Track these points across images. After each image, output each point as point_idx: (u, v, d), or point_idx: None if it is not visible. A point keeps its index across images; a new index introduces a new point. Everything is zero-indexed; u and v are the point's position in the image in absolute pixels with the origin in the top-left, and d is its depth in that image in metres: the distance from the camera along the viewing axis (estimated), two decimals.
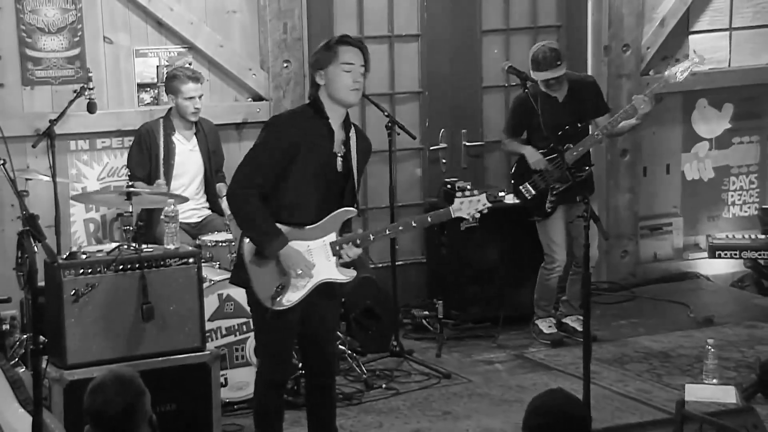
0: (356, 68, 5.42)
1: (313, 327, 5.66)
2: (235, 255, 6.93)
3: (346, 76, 5.41)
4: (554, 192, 7.81)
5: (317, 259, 5.55)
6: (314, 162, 5.45)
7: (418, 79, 8.91)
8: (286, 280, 5.50)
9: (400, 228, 5.93)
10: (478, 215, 5.84)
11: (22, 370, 6.04)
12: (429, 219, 5.87)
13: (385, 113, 7.64)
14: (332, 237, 5.57)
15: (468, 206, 5.78)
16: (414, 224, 5.95)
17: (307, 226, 5.53)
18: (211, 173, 7.49)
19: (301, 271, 5.46)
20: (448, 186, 8.04)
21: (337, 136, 5.50)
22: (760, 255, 6.98)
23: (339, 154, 5.52)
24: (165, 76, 7.59)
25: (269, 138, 5.53)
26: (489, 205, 5.81)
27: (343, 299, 5.95)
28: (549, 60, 7.68)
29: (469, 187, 5.88)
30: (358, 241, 5.58)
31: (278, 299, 5.49)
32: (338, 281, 5.63)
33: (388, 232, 5.88)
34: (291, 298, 5.52)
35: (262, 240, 5.48)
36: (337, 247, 5.56)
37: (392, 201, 7.66)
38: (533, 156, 7.79)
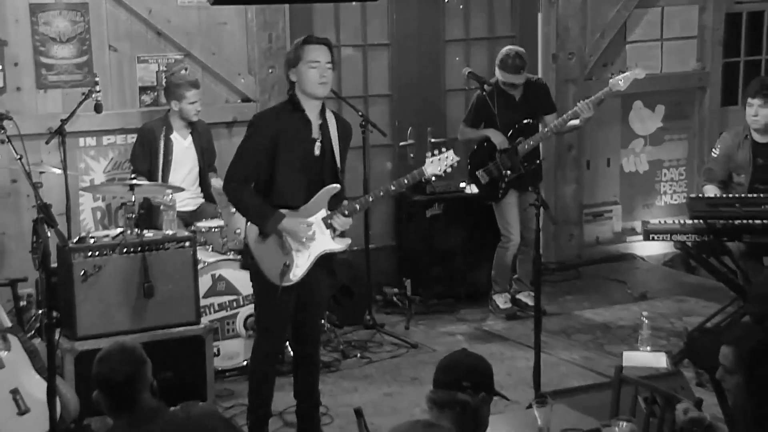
0: (322, 65, 5.44)
1: (306, 300, 5.66)
2: (226, 239, 6.96)
3: (313, 72, 5.43)
4: (506, 179, 7.83)
5: (314, 234, 5.55)
6: (296, 149, 5.47)
7: (388, 83, 8.91)
8: (290, 258, 5.51)
9: (381, 193, 5.94)
10: (449, 170, 5.84)
11: (37, 341, 6.02)
12: (405, 181, 5.88)
13: (359, 113, 7.64)
14: (323, 213, 5.59)
15: (438, 163, 5.80)
16: (393, 188, 5.95)
17: (298, 208, 5.54)
18: (205, 167, 7.47)
19: (304, 238, 5.47)
20: (425, 180, 8.03)
21: (314, 124, 5.51)
22: (688, 238, 6.98)
23: (318, 139, 5.53)
24: (166, 83, 7.55)
25: (253, 134, 5.56)
26: (458, 158, 5.84)
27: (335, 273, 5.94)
28: (515, 67, 7.75)
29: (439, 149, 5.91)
30: (346, 212, 5.60)
31: (286, 276, 5.51)
32: (335, 251, 5.66)
33: (371, 199, 5.92)
34: (297, 273, 5.54)
35: (261, 220, 5.50)
36: (329, 221, 5.57)
37: (366, 191, 7.65)
38: (497, 137, 7.80)
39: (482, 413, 3.78)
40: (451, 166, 5.83)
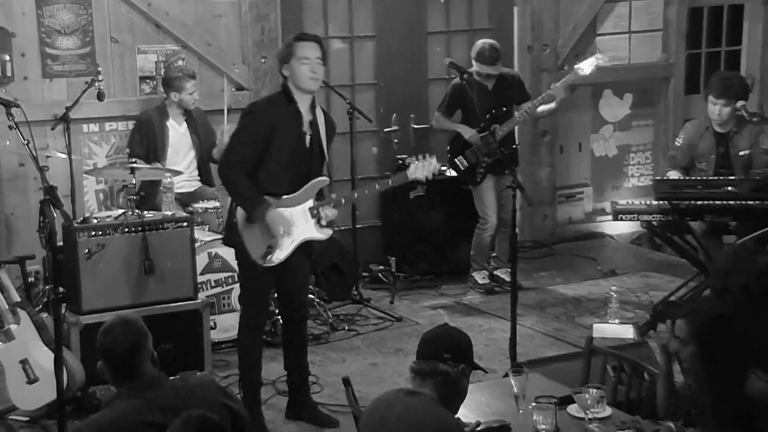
0: (313, 61, 5.45)
1: (289, 280, 5.69)
2: (222, 220, 6.96)
3: (304, 68, 5.44)
4: (483, 164, 7.84)
5: (298, 222, 5.58)
6: (288, 140, 5.48)
7: (373, 72, 8.89)
8: (274, 241, 5.52)
9: (366, 192, 5.99)
10: (430, 176, 5.87)
11: (45, 315, 6.01)
12: (390, 182, 5.91)
13: (347, 101, 7.66)
14: (310, 203, 5.60)
15: (422, 169, 5.83)
16: (378, 187, 5.98)
17: (288, 196, 5.55)
18: (202, 151, 7.45)
19: (286, 232, 5.48)
20: (399, 161, 8.02)
21: (305, 117, 5.53)
22: (653, 218, 7.00)
23: (308, 133, 5.53)
24: (164, 74, 7.53)
25: (248, 122, 5.55)
26: (439, 165, 5.90)
27: (313, 257, 5.95)
28: (491, 58, 7.78)
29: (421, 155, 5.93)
30: (333, 204, 5.62)
31: (268, 258, 5.53)
32: (317, 239, 5.67)
33: (356, 196, 6.01)
34: (279, 256, 5.55)
35: (250, 208, 5.50)
36: (315, 211, 5.59)
37: (353, 174, 7.68)
38: (467, 131, 7.83)
39: (462, 383, 3.81)
40: (434, 173, 5.87)
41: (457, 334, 3.90)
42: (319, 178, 5.60)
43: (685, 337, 4.04)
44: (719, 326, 4.03)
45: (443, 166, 8.21)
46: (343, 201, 5.75)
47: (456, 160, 7.95)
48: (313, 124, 5.56)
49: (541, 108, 7.88)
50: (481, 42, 7.92)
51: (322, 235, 5.67)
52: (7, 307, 5.93)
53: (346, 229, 7.83)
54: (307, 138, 5.53)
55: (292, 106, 5.49)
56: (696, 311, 4.09)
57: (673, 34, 9.73)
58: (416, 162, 5.85)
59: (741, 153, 7.11)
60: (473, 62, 7.85)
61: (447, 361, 3.74)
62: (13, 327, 5.90)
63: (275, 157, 5.46)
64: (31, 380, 5.84)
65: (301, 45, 5.48)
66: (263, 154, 5.46)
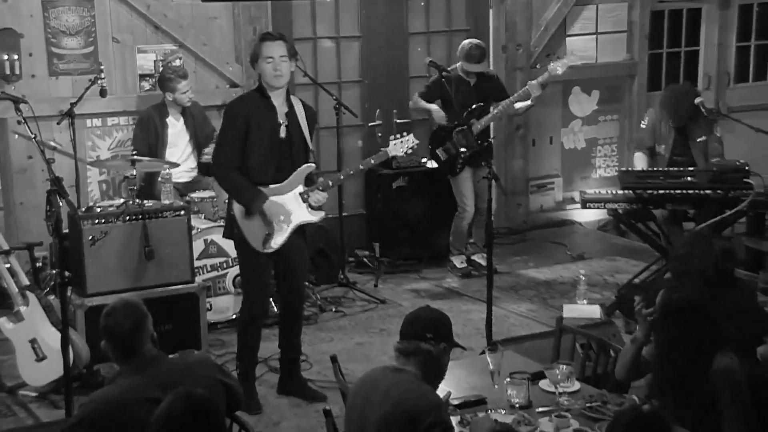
0: (276, 60, 5.45)
1: (288, 263, 5.69)
2: (217, 209, 6.94)
3: (268, 67, 5.46)
4: (462, 156, 7.85)
5: (292, 208, 5.58)
6: (264, 132, 5.50)
7: (359, 70, 8.87)
8: (272, 228, 5.54)
9: (351, 172, 6.02)
10: (409, 151, 5.88)
11: (52, 298, 6.00)
12: (372, 161, 5.95)
13: (334, 97, 7.65)
14: (300, 189, 5.61)
15: (400, 145, 5.86)
16: (361, 167, 6.01)
17: (278, 185, 5.55)
18: (198, 144, 7.42)
19: (282, 218, 5.48)
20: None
21: (280, 110, 5.54)
22: (619, 206, 7.02)
23: (283, 123, 5.53)
24: (159, 76, 7.48)
25: (227, 122, 5.60)
26: (417, 141, 5.87)
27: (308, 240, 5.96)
28: (478, 56, 7.81)
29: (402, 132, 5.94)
30: (321, 188, 5.63)
31: (268, 244, 5.54)
32: (310, 221, 5.69)
33: (342, 177, 6.01)
34: (277, 241, 5.57)
35: (248, 202, 5.51)
36: (306, 196, 5.59)
37: (339, 166, 7.65)
38: (437, 113, 7.84)
39: (443, 361, 3.81)
40: (412, 147, 5.90)
41: (438, 314, 3.90)
42: (305, 165, 5.60)
43: (659, 315, 4.09)
44: (693, 308, 4.08)
45: (423, 158, 8.24)
46: (331, 183, 5.75)
47: (436, 151, 7.95)
48: (290, 114, 5.56)
49: (518, 105, 7.90)
50: (467, 43, 7.94)
51: (315, 217, 5.69)
52: (17, 290, 5.92)
53: (333, 217, 7.82)
54: (283, 128, 5.53)
55: (265, 101, 5.51)
56: (672, 293, 4.14)
57: (637, 35, 9.75)
58: (395, 139, 5.87)
59: (699, 140, 7.16)
60: (461, 61, 7.84)
61: (429, 340, 3.74)
62: (22, 309, 5.90)
63: (256, 149, 5.48)
64: (40, 358, 5.84)
65: (265, 45, 5.49)
66: (245, 148, 5.47)
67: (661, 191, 6.83)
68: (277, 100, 5.53)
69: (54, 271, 6.79)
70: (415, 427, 3.53)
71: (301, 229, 5.67)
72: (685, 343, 4.06)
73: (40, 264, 6.94)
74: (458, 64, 7.90)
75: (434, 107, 7.87)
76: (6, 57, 7.34)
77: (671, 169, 7.00)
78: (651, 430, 3.15)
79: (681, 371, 4.05)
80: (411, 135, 5.91)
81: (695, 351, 4.03)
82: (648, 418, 3.24)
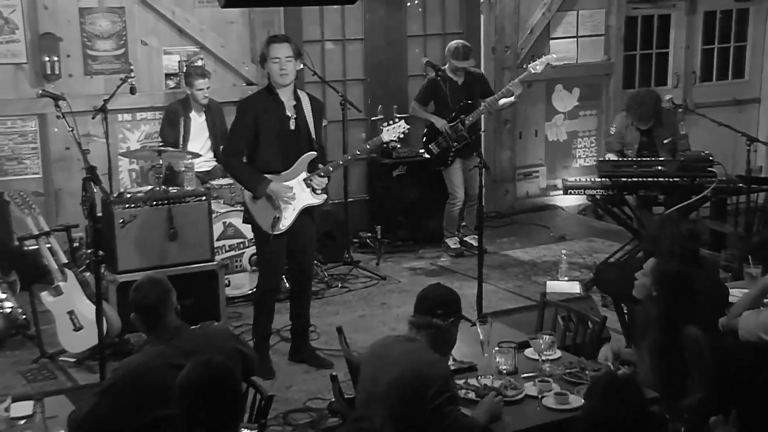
0: (282, 60, 5.43)
1: (296, 242, 5.68)
2: (234, 194, 6.94)
3: (275, 67, 5.44)
4: (453, 149, 7.83)
5: (297, 192, 5.56)
6: (273, 125, 5.49)
7: (362, 69, 8.84)
8: (279, 212, 5.52)
9: (349, 157, 6.03)
10: (401, 136, 5.87)
11: (87, 274, 6.02)
12: (368, 146, 5.97)
13: (339, 93, 7.63)
14: (304, 174, 5.60)
15: (393, 131, 5.85)
16: (358, 152, 6.01)
17: (284, 172, 5.53)
18: (216, 137, 7.41)
19: (287, 198, 5.46)
20: (384, 145, 7.99)
21: (288, 104, 5.51)
22: (597, 192, 7.02)
23: (291, 117, 5.51)
24: (184, 72, 7.48)
25: (238, 116, 5.59)
26: (408, 126, 5.86)
27: (316, 221, 5.94)
28: (464, 54, 7.78)
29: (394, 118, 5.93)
30: (322, 173, 5.62)
31: (276, 226, 5.53)
32: (314, 204, 5.67)
33: (341, 163, 6.01)
34: (285, 223, 5.56)
35: (252, 186, 5.50)
36: (309, 181, 5.58)
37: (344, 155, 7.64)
38: (439, 121, 7.82)
39: (451, 334, 3.83)
40: (403, 132, 5.88)
41: (447, 292, 3.90)
42: (308, 153, 5.59)
43: (651, 279, 4.14)
44: (681, 280, 4.11)
45: (421, 149, 8.22)
46: (331, 169, 5.74)
47: (429, 146, 7.94)
48: (298, 108, 5.55)
49: (502, 101, 7.88)
50: (454, 42, 7.93)
51: (318, 200, 5.68)
52: (56, 267, 5.93)
53: (339, 202, 7.82)
54: (292, 121, 5.52)
55: (273, 97, 5.50)
56: (666, 265, 4.20)
57: (613, 38, 9.72)
58: (388, 126, 5.85)
59: (665, 141, 7.14)
60: (449, 60, 7.82)
61: (439, 316, 3.75)
62: (61, 284, 5.91)
63: (265, 140, 5.48)
64: (77, 328, 5.85)
65: (272, 46, 5.47)
66: (256, 140, 5.46)
67: (634, 179, 6.85)
68: (285, 95, 5.51)
69: (89, 251, 6.80)
70: (422, 392, 3.53)
71: (308, 212, 5.66)
72: (668, 308, 4.08)
73: (77, 244, 6.94)
74: (446, 66, 7.85)
75: (434, 117, 7.84)
76: (47, 58, 7.33)
77: (643, 159, 6.98)
78: (625, 393, 3.17)
79: (661, 327, 4.08)
80: (402, 121, 5.88)
81: (674, 316, 4.06)
82: (622, 382, 3.26)
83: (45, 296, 5.93)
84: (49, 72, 7.34)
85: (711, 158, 6.78)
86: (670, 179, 6.77)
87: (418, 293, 3.88)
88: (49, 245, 6.02)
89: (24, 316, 6.22)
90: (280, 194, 5.50)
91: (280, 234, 5.56)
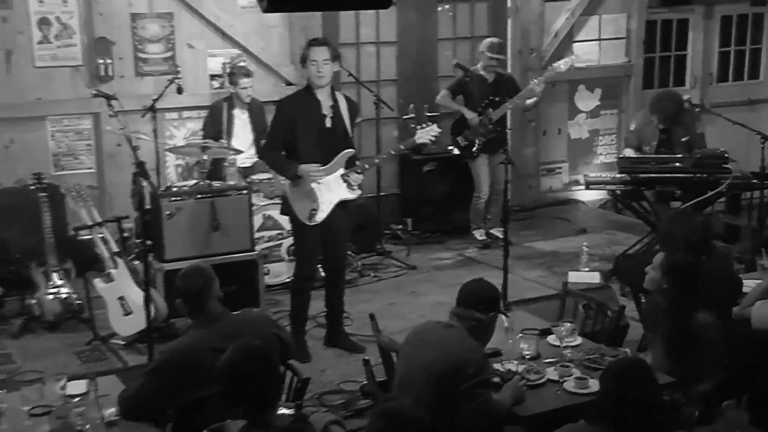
0: (319, 62, 5.42)
1: (331, 234, 5.68)
2: (273, 188, 6.96)
3: (313, 69, 5.43)
4: (479, 143, 7.81)
5: (333, 186, 5.58)
6: (310, 123, 5.50)
7: (395, 70, 8.83)
8: (316, 204, 5.53)
9: (384, 156, 6.03)
10: (433, 139, 5.87)
11: (136, 262, 6.07)
12: (401, 147, 5.96)
13: (373, 93, 7.64)
14: (341, 171, 5.60)
15: (425, 134, 5.84)
16: (392, 152, 6.03)
17: (322, 167, 5.54)
18: (257, 135, 7.43)
19: (315, 175, 5.46)
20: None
21: (325, 104, 5.52)
22: (617, 187, 6.99)
23: (328, 116, 5.52)
24: (229, 72, 7.51)
25: (277, 114, 5.62)
26: (440, 130, 5.86)
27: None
28: (498, 48, 7.80)
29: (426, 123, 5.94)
30: (359, 170, 5.62)
31: (313, 218, 5.54)
32: (349, 199, 5.67)
33: (376, 161, 6.00)
34: (321, 215, 5.57)
35: (283, 170, 5.56)
36: (346, 177, 5.58)
37: (378, 152, 7.62)
38: (469, 113, 7.78)
39: (490, 327, 3.84)
40: (435, 136, 5.87)
41: (490, 287, 3.90)
42: (345, 151, 5.59)
43: (660, 272, 4.13)
44: (688, 271, 4.09)
45: (449, 146, 8.20)
46: (367, 166, 5.74)
47: (457, 139, 7.93)
48: (334, 108, 5.55)
49: (528, 101, 7.85)
50: (489, 39, 7.95)
51: (353, 195, 5.68)
52: (108, 255, 5.99)
53: (372, 196, 7.82)
54: (328, 120, 5.53)
55: (311, 97, 5.50)
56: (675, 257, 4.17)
57: (634, 41, 9.64)
58: (421, 129, 5.85)
59: (683, 140, 7.07)
60: (484, 53, 7.78)
61: (481, 310, 3.75)
62: (112, 271, 5.97)
63: (302, 137, 5.49)
64: (127, 313, 5.90)
65: (311, 49, 5.46)
66: (294, 137, 5.48)
67: (652, 175, 6.79)
68: (322, 95, 5.52)
69: (138, 240, 6.86)
70: (458, 375, 3.53)
71: (343, 205, 5.66)
72: (678, 297, 4.05)
73: (127, 234, 6.98)
74: (479, 65, 7.83)
75: (464, 109, 7.81)
76: (101, 61, 7.39)
77: (661, 155, 6.93)
78: (636, 376, 3.15)
79: (672, 316, 4.06)
80: (434, 125, 5.87)
81: (684, 304, 4.04)
82: (632, 364, 3.26)
83: (98, 283, 5.99)
84: (102, 73, 7.40)
85: (726, 155, 6.72)
86: (687, 175, 6.71)
87: (462, 287, 3.89)
88: (101, 235, 6.08)
89: (78, 301, 6.29)
90: (309, 173, 5.50)
91: (316, 225, 5.57)
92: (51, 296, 6.22)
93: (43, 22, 7.27)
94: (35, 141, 7.37)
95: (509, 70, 8.78)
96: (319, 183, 5.54)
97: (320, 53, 5.43)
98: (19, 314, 6.31)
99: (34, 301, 6.21)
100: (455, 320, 3.78)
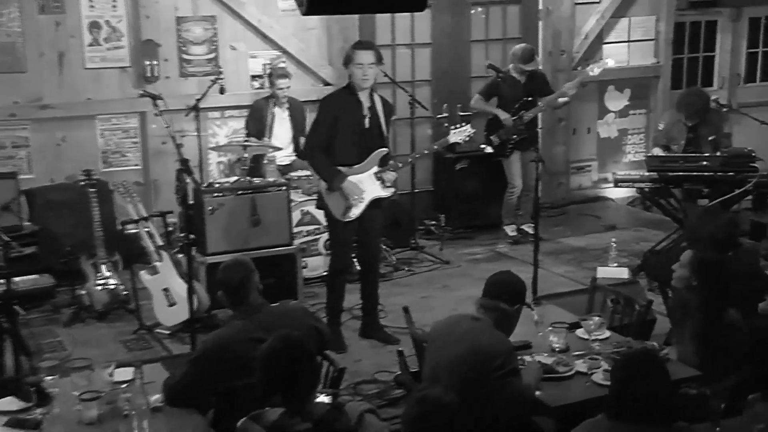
0: (365, 66, 5.40)
1: (364, 230, 5.69)
2: (311, 185, 6.98)
3: (358, 71, 5.40)
4: (512, 141, 7.77)
5: (367, 185, 5.58)
6: (350, 122, 5.49)
7: (429, 71, 8.80)
8: (349, 202, 5.54)
9: (417, 155, 6.02)
10: (467, 138, 5.85)
11: (180, 255, 6.11)
12: (435, 146, 5.96)
13: (408, 93, 7.63)
14: (375, 169, 5.60)
15: (459, 133, 5.84)
16: (426, 151, 6.03)
17: (357, 165, 5.55)
18: (296, 133, 7.45)
19: (357, 196, 5.48)
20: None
21: (365, 104, 5.51)
22: (645, 185, 6.95)
23: (367, 116, 5.51)
24: (268, 72, 7.54)
25: (320, 111, 5.59)
26: (473, 130, 5.85)
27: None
28: (529, 57, 7.71)
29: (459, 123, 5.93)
30: (392, 168, 5.63)
31: (347, 214, 5.55)
32: (383, 197, 5.66)
33: (409, 160, 6.02)
34: (355, 212, 5.58)
35: (328, 179, 5.52)
36: (380, 174, 5.58)
37: (412, 150, 7.63)
38: (503, 114, 7.74)
39: (515, 318, 3.82)
40: (469, 135, 5.86)
41: (516, 280, 3.88)
42: (380, 150, 5.59)
43: (689, 270, 4.09)
44: (716, 268, 4.05)
45: (482, 144, 8.17)
46: (400, 165, 5.75)
47: (491, 137, 7.90)
48: (372, 108, 5.54)
49: (559, 100, 7.81)
50: (520, 46, 7.84)
51: (387, 193, 5.68)
52: (153, 249, 6.04)
53: (406, 192, 7.81)
54: (367, 120, 5.52)
55: (353, 97, 5.49)
56: (703, 255, 4.17)
57: (662, 43, 9.53)
58: (454, 129, 5.83)
59: (710, 138, 7.01)
60: (515, 62, 7.73)
61: (506, 301, 3.74)
62: (157, 264, 6.02)
63: (342, 136, 5.48)
64: (171, 304, 5.95)
65: (358, 52, 5.45)
66: (334, 135, 5.47)
67: (680, 173, 6.73)
68: (363, 96, 5.52)
69: (182, 234, 6.92)
70: (486, 366, 3.52)
71: (377, 203, 5.66)
72: (707, 295, 4.01)
73: (171, 228, 7.06)
74: (510, 66, 7.79)
75: (498, 110, 7.77)
76: (147, 62, 7.45)
77: (689, 154, 6.86)
78: (647, 369, 3.09)
79: (702, 315, 4.02)
80: (468, 125, 5.86)
81: (712, 303, 4.00)
82: (644, 359, 3.20)
83: (143, 275, 6.05)
84: (149, 74, 7.46)
85: (753, 154, 6.66)
86: (714, 173, 6.64)
87: (489, 278, 3.87)
88: (147, 229, 6.14)
89: (125, 292, 6.35)
90: (351, 193, 5.51)
91: (350, 221, 5.58)
92: (100, 287, 6.29)
93: (94, 26, 7.35)
94: (85, 139, 7.45)
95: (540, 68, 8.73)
96: (353, 181, 5.55)
97: (366, 57, 5.42)
98: (70, 304, 6.40)
99: (84, 292, 6.29)
100: (481, 311, 3.77)
